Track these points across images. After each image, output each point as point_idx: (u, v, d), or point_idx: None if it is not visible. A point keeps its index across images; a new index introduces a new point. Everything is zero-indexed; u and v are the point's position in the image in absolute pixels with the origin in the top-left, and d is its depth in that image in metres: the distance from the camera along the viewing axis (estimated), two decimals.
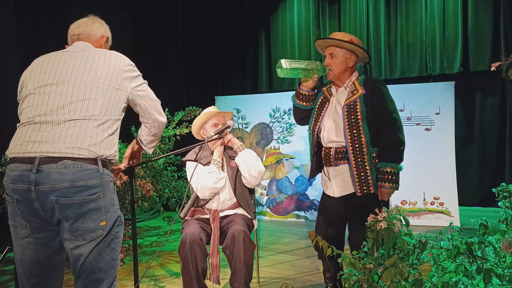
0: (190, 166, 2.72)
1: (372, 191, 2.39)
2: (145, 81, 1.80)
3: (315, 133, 2.56)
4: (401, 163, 2.39)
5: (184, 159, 2.80)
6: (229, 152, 2.78)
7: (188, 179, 2.67)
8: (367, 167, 2.38)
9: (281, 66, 2.39)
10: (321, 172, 2.66)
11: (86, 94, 1.58)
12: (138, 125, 4.15)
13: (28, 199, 1.51)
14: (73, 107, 1.56)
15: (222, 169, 2.70)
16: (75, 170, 1.49)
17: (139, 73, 1.78)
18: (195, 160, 2.71)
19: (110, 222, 1.57)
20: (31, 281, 1.61)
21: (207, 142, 2.59)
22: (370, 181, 2.38)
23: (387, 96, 2.43)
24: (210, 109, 2.82)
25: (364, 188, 2.39)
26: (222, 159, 2.73)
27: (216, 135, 2.59)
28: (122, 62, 1.70)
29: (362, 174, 2.39)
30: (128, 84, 1.70)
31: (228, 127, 2.65)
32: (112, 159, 1.63)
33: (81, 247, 1.53)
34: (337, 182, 2.50)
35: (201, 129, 2.81)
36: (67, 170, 1.48)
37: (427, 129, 4.58)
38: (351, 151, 2.39)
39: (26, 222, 1.56)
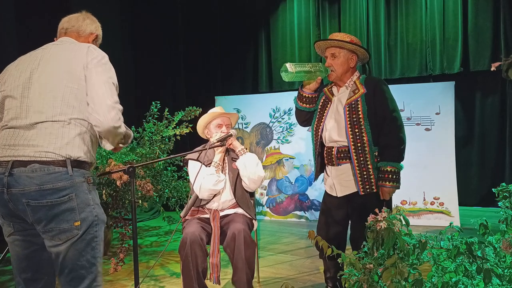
0: (193, 166, 2.73)
1: (374, 190, 2.40)
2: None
3: (319, 133, 2.56)
4: (402, 162, 2.40)
5: (186, 157, 2.81)
6: (231, 154, 2.79)
7: (190, 179, 2.69)
8: (369, 166, 2.38)
9: (286, 70, 2.39)
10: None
11: (52, 95, 1.58)
12: (138, 125, 4.16)
13: (3, 201, 1.55)
14: (40, 109, 1.56)
15: (223, 171, 2.71)
16: (42, 173, 1.51)
17: (104, 66, 1.67)
18: (197, 160, 2.72)
19: (87, 222, 1.59)
20: (23, 277, 1.66)
21: (209, 148, 2.61)
22: (372, 180, 2.39)
23: (388, 95, 2.44)
24: (216, 109, 2.84)
25: (367, 187, 2.39)
26: (224, 161, 2.75)
27: (219, 143, 2.63)
28: (80, 56, 1.64)
29: (365, 173, 2.39)
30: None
31: (231, 135, 2.69)
32: (85, 160, 1.61)
33: (58, 246, 1.56)
34: (339, 182, 2.50)
35: (206, 129, 2.83)
36: (35, 174, 1.51)
37: (427, 129, 4.59)
38: (353, 150, 2.39)
39: (9, 221, 1.61)
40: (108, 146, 1.75)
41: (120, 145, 1.76)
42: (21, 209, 1.54)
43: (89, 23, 1.85)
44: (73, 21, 1.82)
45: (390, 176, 2.35)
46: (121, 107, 1.65)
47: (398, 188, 2.39)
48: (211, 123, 2.79)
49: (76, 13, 1.93)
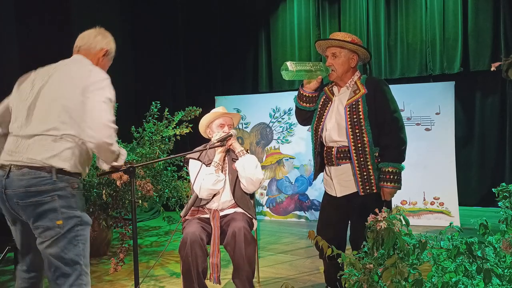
0: (193, 165, 2.73)
1: (374, 191, 2.39)
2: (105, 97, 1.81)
3: (318, 133, 2.56)
4: (403, 163, 2.39)
5: (187, 156, 2.81)
6: (232, 154, 2.79)
7: (191, 178, 2.69)
8: (369, 167, 2.38)
9: (287, 68, 2.38)
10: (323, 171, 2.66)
11: (50, 111, 1.77)
12: (138, 125, 4.16)
13: (2, 200, 1.78)
14: (38, 122, 1.77)
15: (223, 171, 2.72)
16: (30, 177, 1.71)
17: (103, 89, 1.81)
18: (198, 159, 2.72)
19: (69, 222, 1.76)
20: (19, 267, 1.93)
21: (209, 148, 2.61)
22: (372, 181, 2.39)
23: (389, 95, 2.44)
24: (219, 109, 2.85)
25: (367, 187, 2.39)
26: (224, 161, 2.75)
27: (219, 143, 2.63)
28: (82, 79, 1.80)
29: (365, 173, 2.39)
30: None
31: (231, 136, 2.69)
32: (71, 171, 1.78)
33: (44, 243, 1.75)
34: (339, 182, 2.50)
35: (208, 128, 2.84)
36: (24, 177, 1.72)
37: (427, 129, 4.59)
38: (354, 151, 2.39)
39: (8, 216, 1.85)
40: (104, 166, 1.90)
41: (114, 163, 1.86)
42: (15, 208, 1.76)
43: (100, 40, 2.00)
44: (85, 39, 1.98)
45: (391, 176, 2.35)
46: (116, 127, 1.78)
47: (399, 188, 2.39)
48: (213, 123, 2.80)
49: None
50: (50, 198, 1.72)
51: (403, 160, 2.40)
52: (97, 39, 1.99)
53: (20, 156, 1.74)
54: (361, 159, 2.38)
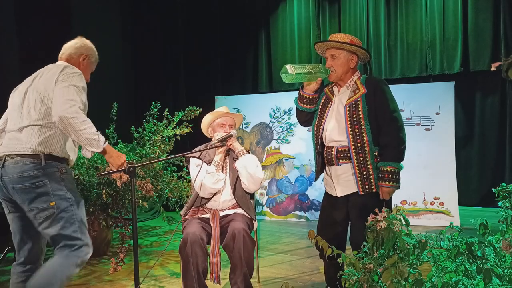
0: (195, 164, 2.73)
1: (374, 190, 2.40)
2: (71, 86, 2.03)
3: (319, 133, 2.56)
4: (402, 162, 2.40)
5: (188, 155, 2.82)
6: (232, 154, 2.79)
7: (191, 176, 2.71)
8: (369, 166, 2.39)
9: (286, 72, 2.38)
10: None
11: (34, 105, 2.03)
12: (138, 125, 4.16)
13: (0, 187, 2.01)
14: (26, 116, 2.03)
15: (223, 171, 2.72)
16: (22, 164, 1.95)
17: (71, 78, 2.05)
18: (199, 158, 2.73)
19: (63, 203, 2.00)
20: (17, 247, 2.12)
21: (209, 148, 2.62)
22: (372, 180, 2.39)
23: (389, 95, 2.44)
24: (221, 109, 2.86)
25: (367, 187, 2.40)
26: (225, 160, 2.75)
27: (219, 143, 2.64)
28: (55, 74, 2.06)
29: (364, 173, 2.39)
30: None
31: (231, 136, 2.70)
32: (57, 155, 2.02)
33: (42, 224, 1.99)
34: (340, 182, 2.50)
35: (209, 127, 2.85)
36: (17, 164, 1.96)
37: (427, 129, 4.59)
38: (353, 150, 2.40)
39: (5, 204, 2.08)
40: (87, 154, 2.07)
41: (90, 148, 2.01)
42: (11, 193, 1.99)
43: (78, 47, 2.29)
44: (67, 48, 2.29)
45: (390, 176, 2.35)
46: (79, 104, 1.97)
47: (398, 188, 2.39)
48: (214, 122, 2.81)
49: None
50: (42, 182, 1.95)
51: (402, 159, 2.40)
52: (76, 47, 2.28)
53: (12, 147, 1.99)
54: (361, 159, 2.39)
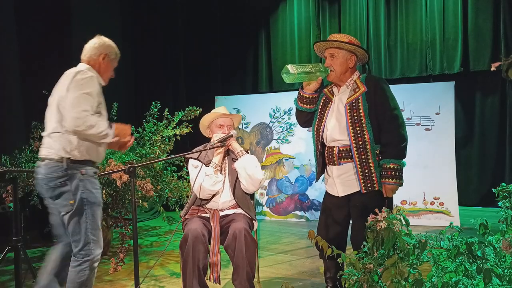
0: (193, 166, 2.73)
1: (376, 188, 2.40)
2: (83, 92, 2.15)
3: (320, 133, 2.56)
4: (404, 159, 2.40)
5: (187, 156, 2.82)
6: (232, 155, 2.79)
7: (191, 178, 2.70)
8: (371, 164, 2.39)
9: (288, 72, 2.38)
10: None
11: (54, 112, 2.23)
12: (138, 125, 4.15)
13: (37, 184, 2.31)
14: (48, 123, 2.27)
15: (222, 172, 2.72)
16: (48, 166, 2.21)
17: (81, 85, 2.16)
18: (197, 159, 2.72)
19: (79, 201, 2.22)
20: (56, 234, 2.39)
21: (209, 149, 2.62)
22: (374, 178, 2.39)
23: (389, 93, 2.45)
24: (220, 109, 2.85)
25: (369, 185, 2.40)
26: (224, 161, 2.75)
27: (219, 143, 2.63)
28: (67, 82, 2.17)
29: (366, 171, 2.39)
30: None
31: (231, 136, 2.70)
32: (80, 159, 2.22)
33: (64, 216, 2.23)
34: (341, 181, 2.50)
35: (208, 128, 2.85)
36: (45, 167, 2.22)
37: (427, 129, 4.59)
38: (355, 149, 2.40)
39: (44, 199, 2.34)
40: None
41: (101, 140, 2.22)
42: (42, 190, 2.27)
43: (97, 47, 2.36)
44: (86, 50, 2.37)
45: (393, 173, 2.35)
46: (88, 112, 2.12)
47: (401, 185, 2.39)
48: (213, 123, 2.80)
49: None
50: (63, 182, 2.20)
51: (404, 156, 2.41)
52: (95, 47, 2.35)
53: (44, 151, 2.25)
54: (362, 157, 2.39)
